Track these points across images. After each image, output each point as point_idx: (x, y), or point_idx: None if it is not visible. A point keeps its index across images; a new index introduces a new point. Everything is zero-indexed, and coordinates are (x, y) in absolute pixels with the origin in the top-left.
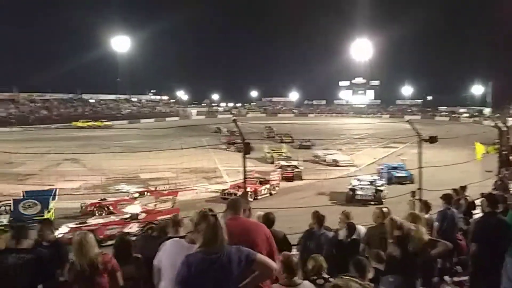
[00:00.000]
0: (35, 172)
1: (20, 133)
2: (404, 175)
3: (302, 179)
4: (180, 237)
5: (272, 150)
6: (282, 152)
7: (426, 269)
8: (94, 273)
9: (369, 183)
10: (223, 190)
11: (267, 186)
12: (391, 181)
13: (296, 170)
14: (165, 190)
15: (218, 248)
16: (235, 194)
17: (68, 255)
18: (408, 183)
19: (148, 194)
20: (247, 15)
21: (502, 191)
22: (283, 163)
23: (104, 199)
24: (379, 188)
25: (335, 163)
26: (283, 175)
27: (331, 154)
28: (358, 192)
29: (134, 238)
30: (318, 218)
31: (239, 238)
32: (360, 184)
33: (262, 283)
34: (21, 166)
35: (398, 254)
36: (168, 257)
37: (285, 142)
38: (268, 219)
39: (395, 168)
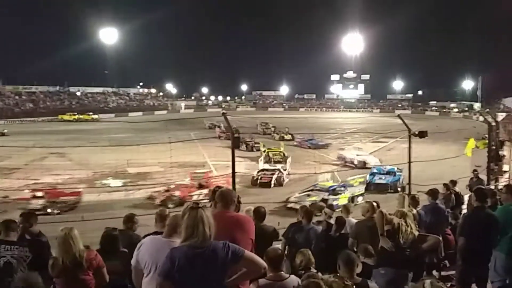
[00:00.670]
0: (20, 166)
1: (5, 126)
2: (384, 182)
3: (282, 185)
4: (156, 233)
5: (269, 149)
6: (280, 152)
7: (416, 264)
8: (77, 270)
9: (326, 190)
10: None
11: (204, 191)
12: (369, 188)
13: (278, 174)
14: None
15: (201, 242)
16: (154, 198)
17: (49, 250)
18: (391, 192)
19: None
20: (237, 9)
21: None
22: (265, 166)
23: None
24: (327, 197)
25: (362, 165)
26: (260, 180)
27: (361, 155)
28: (291, 199)
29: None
30: (307, 212)
31: (223, 233)
32: (313, 191)
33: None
34: (6, 160)
35: (389, 247)
36: (149, 254)
37: (286, 140)
38: (259, 213)
39: (387, 173)
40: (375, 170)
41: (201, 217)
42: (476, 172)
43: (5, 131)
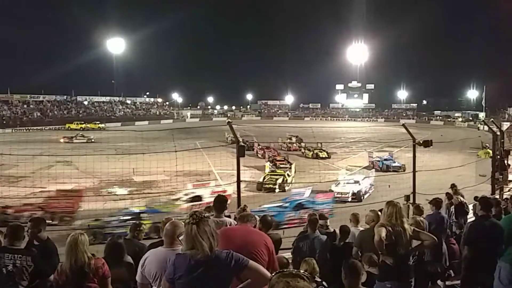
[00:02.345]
0: (27, 175)
1: (13, 134)
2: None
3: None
4: (155, 243)
5: (271, 172)
6: (277, 176)
7: (419, 272)
8: (83, 278)
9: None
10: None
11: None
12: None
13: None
14: None
15: (201, 252)
16: None
17: (57, 256)
18: None
19: None
20: (243, 18)
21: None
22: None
23: None
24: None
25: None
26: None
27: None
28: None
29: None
30: (311, 221)
31: (241, 240)
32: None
33: None
34: (13, 168)
35: (391, 262)
36: (155, 266)
37: (321, 158)
38: (266, 222)
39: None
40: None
41: (196, 232)
42: (454, 188)
43: (92, 137)
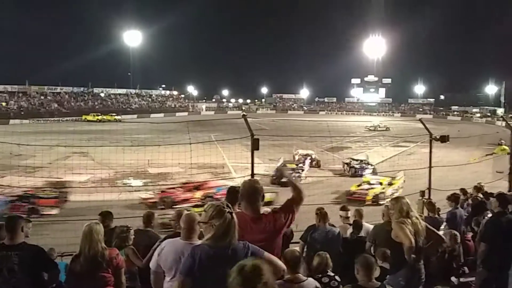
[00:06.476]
0: (44, 165)
1: (30, 125)
2: None
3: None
4: (172, 235)
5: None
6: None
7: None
8: (97, 267)
9: None
10: None
11: None
12: None
13: None
14: None
15: (226, 243)
16: None
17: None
18: None
19: None
20: (259, 11)
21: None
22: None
23: None
24: None
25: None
26: None
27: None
28: None
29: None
30: (322, 215)
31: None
32: None
33: None
34: (30, 159)
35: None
36: (172, 258)
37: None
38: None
39: None
40: None
41: (233, 222)
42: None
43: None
